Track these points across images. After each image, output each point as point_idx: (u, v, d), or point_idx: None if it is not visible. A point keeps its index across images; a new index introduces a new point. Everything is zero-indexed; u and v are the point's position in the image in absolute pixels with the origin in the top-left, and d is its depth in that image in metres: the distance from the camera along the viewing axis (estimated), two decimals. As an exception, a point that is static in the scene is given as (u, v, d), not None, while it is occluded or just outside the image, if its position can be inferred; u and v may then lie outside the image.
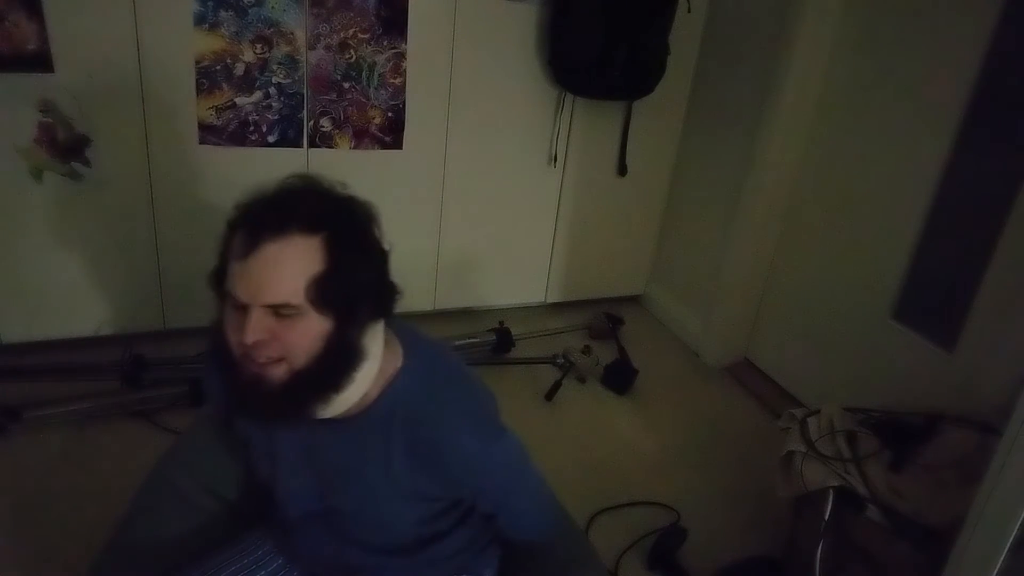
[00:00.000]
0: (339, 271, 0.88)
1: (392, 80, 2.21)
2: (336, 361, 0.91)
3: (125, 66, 1.92)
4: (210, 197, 2.14)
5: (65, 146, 1.94)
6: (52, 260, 2.04)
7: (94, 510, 1.58)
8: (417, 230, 2.46)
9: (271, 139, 2.13)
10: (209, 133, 2.06)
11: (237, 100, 2.06)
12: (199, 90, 2.01)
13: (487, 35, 2.28)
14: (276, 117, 2.11)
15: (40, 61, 1.82)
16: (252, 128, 2.10)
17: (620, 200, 2.75)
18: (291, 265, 0.86)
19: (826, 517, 1.50)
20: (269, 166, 2.17)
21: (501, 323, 2.49)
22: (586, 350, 2.44)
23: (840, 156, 2.20)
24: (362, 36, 2.12)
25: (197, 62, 1.98)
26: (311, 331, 0.88)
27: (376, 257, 0.96)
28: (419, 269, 2.50)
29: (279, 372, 0.89)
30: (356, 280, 0.91)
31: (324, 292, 0.87)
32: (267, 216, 0.88)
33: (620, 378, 2.39)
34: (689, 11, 2.43)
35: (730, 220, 2.49)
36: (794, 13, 2.17)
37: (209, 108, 2.04)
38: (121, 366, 2.04)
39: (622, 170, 2.67)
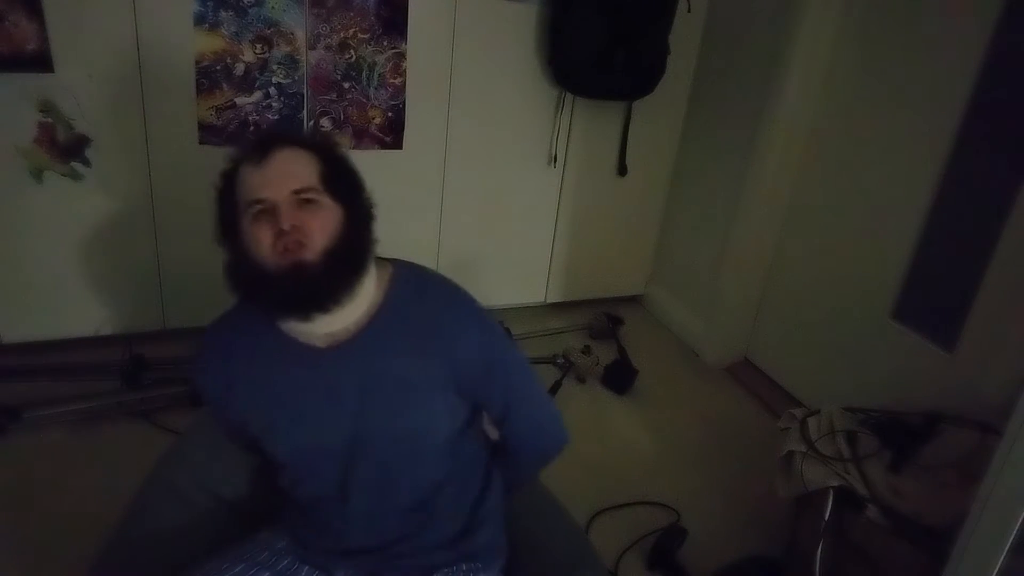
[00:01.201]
0: (339, 170, 1.07)
1: (392, 80, 2.21)
2: (356, 242, 1.05)
3: (125, 66, 1.92)
4: (210, 197, 2.14)
5: (65, 146, 1.94)
6: (52, 260, 2.04)
7: (94, 510, 1.58)
8: (417, 230, 2.46)
9: (271, 139, 2.13)
10: (209, 133, 2.06)
11: (237, 100, 2.06)
12: (199, 90, 2.01)
13: (487, 35, 2.28)
14: (276, 117, 2.11)
15: (40, 61, 1.82)
16: (252, 128, 2.10)
17: (620, 200, 2.75)
18: (303, 161, 1.03)
19: (826, 517, 1.50)
20: (269, 166, 2.16)
21: (501, 323, 2.49)
22: (586, 350, 2.44)
23: (840, 156, 2.20)
24: (362, 36, 2.12)
25: (197, 62, 1.98)
26: (331, 216, 1.03)
27: (359, 175, 1.13)
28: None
29: (311, 256, 0.99)
30: (352, 180, 1.10)
31: (333, 181, 1.04)
32: (271, 136, 1.07)
33: (620, 378, 2.40)
34: (689, 11, 2.44)
35: (730, 220, 2.49)
36: (794, 13, 2.17)
37: (209, 108, 2.04)
38: (121, 366, 2.05)
39: (622, 170, 2.67)
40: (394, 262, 1.16)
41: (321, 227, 1.01)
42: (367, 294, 1.08)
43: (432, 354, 1.08)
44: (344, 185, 1.07)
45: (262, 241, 1.00)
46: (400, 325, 1.09)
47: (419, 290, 1.13)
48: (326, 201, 1.03)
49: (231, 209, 1.04)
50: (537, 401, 1.25)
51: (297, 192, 1.00)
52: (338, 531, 1.14)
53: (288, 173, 1.01)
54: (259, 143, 1.04)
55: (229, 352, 1.13)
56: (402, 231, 2.43)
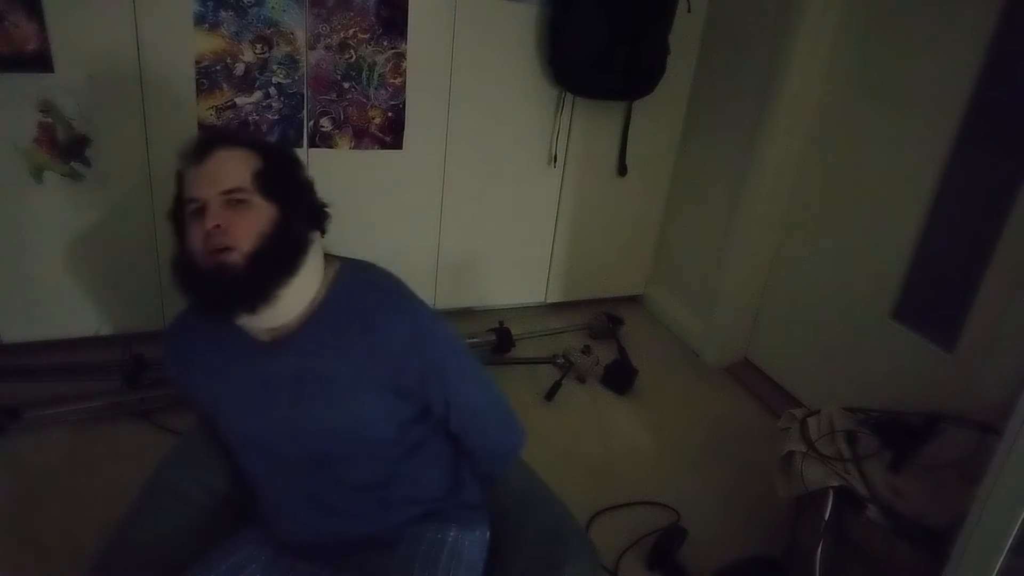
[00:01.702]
0: (276, 169, 1.09)
1: (392, 80, 2.21)
2: (284, 243, 1.06)
3: (125, 66, 1.92)
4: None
5: (65, 146, 1.94)
6: (52, 260, 2.04)
7: (94, 510, 1.58)
8: (417, 230, 2.46)
9: (271, 139, 2.13)
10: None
11: (237, 100, 2.06)
12: (199, 90, 2.01)
13: (487, 35, 2.28)
14: (276, 117, 2.11)
15: (40, 61, 1.82)
16: (252, 128, 2.10)
17: (620, 200, 2.75)
18: (238, 161, 1.07)
19: (826, 517, 1.50)
20: (269, 166, 2.17)
21: (501, 323, 2.49)
22: (586, 350, 2.44)
23: (840, 156, 2.20)
24: (362, 36, 2.12)
25: (197, 62, 1.98)
26: (260, 216, 1.05)
27: (304, 174, 1.15)
28: (419, 269, 2.50)
29: (236, 257, 1.02)
30: (291, 177, 1.12)
31: (266, 181, 1.06)
32: (215, 135, 1.13)
33: (620, 378, 2.39)
34: (689, 11, 2.44)
35: (730, 220, 2.49)
36: (794, 13, 2.17)
37: (209, 108, 2.04)
38: (121, 366, 2.04)
39: (622, 170, 2.67)
40: (342, 260, 1.18)
41: (247, 228, 1.03)
42: (307, 291, 1.10)
43: (365, 353, 1.10)
44: (280, 185, 1.08)
45: (195, 240, 1.04)
46: (336, 323, 1.10)
47: (359, 289, 1.15)
48: (257, 201, 1.05)
49: (179, 206, 1.09)
50: (482, 405, 1.23)
51: (226, 192, 1.03)
52: (290, 515, 1.16)
53: (220, 173, 1.05)
54: (199, 142, 1.08)
55: (189, 337, 1.19)
56: (402, 231, 2.43)
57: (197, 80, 2.00)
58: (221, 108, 2.05)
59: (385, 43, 2.16)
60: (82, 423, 1.91)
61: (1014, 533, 1.08)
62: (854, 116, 2.14)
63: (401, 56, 2.19)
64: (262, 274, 1.03)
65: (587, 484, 1.94)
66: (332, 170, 2.24)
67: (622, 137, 2.62)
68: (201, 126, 2.04)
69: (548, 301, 2.84)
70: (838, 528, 1.50)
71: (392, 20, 2.14)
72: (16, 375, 2.02)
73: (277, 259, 1.05)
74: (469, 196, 2.48)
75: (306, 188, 1.14)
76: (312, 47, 2.08)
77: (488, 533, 1.25)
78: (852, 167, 2.16)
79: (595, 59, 2.30)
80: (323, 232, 1.17)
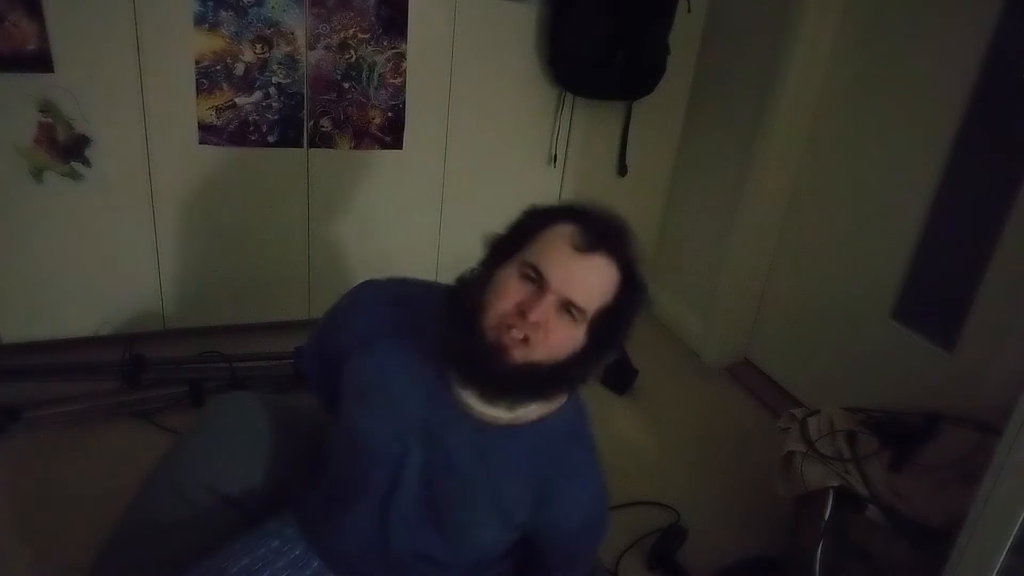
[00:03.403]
0: (620, 311, 0.98)
1: (392, 80, 2.21)
2: (564, 375, 0.98)
3: (125, 66, 1.92)
4: (210, 197, 2.14)
5: (65, 146, 1.94)
6: (52, 260, 2.04)
7: (94, 510, 1.58)
8: (417, 230, 2.46)
9: (271, 139, 2.13)
10: (209, 133, 2.06)
11: (237, 100, 2.06)
12: (199, 90, 2.01)
13: (487, 35, 2.28)
14: (276, 117, 2.11)
15: (40, 61, 1.82)
16: (252, 128, 2.10)
17: (620, 200, 2.73)
18: (604, 284, 0.96)
19: (826, 517, 1.50)
20: (269, 166, 2.17)
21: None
22: (586, 350, 2.44)
23: (840, 156, 2.20)
24: (362, 36, 2.12)
25: (197, 62, 1.98)
26: (572, 340, 0.96)
27: (631, 328, 1.04)
28: (419, 269, 2.49)
29: (520, 354, 0.93)
30: (620, 327, 1.01)
31: (602, 319, 0.97)
32: (608, 232, 0.98)
33: (620, 378, 2.39)
34: (689, 11, 2.43)
35: (730, 220, 2.49)
36: (794, 13, 2.17)
37: (209, 108, 2.04)
38: (121, 366, 2.04)
39: (622, 170, 2.67)
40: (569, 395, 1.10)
41: (553, 344, 0.94)
42: (529, 415, 1.03)
43: (527, 501, 1.04)
44: (609, 332, 0.99)
45: (501, 299, 0.94)
46: (524, 458, 1.04)
47: (565, 435, 1.08)
48: (580, 328, 0.96)
49: (514, 243, 0.98)
50: (577, 569, 1.22)
51: (572, 303, 0.94)
52: (344, 536, 1.12)
53: (584, 284, 0.94)
54: (594, 230, 0.96)
55: (383, 316, 1.09)
56: (402, 231, 2.43)
57: (197, 80, 2.00)
58: (221, 108, 2.05)
59: (385, 43, 2.16)
60: (82, 423, 1.91)
61: (1014, 533, 1.08)
62: (854, 116, 2.14)
63: (401, 56, 2.19)
64: (525, 386, 0.96)
65: (587, 484, 1.93)
66: (332, 170, 2.24)
67: (622, 137, 2.62)
68: (201, 126, 2.03)
69: (548, 301, 2.84)
70: (838, 528, 1.50)
71: (392, 20, 2.14)
72: (16, 375, 2.02)
73: (546, 385, 0.98)
74: (469, 196, 2.48)
75: (622, 342, 1.04)
76: (312, 47, 2.08)
77: None
78: (852, 167, 2.16)
79: (595, 59, 2.30)
80: (590, 376, 1.07)
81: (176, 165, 2.07)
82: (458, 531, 1.07)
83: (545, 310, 0.92)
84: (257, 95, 2.07)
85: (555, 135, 2.51)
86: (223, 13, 1.95)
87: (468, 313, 0.96)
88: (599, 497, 1.13)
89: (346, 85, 2.16)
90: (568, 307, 0.94)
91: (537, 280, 0.93)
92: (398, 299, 1.12)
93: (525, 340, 0.93)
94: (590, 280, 0.95)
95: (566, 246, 0.94)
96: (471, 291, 0.98)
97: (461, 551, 1.10)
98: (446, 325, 0.99)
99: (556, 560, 1.15)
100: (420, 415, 1.04)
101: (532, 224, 0.99)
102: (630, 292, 0.99)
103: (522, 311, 0.92)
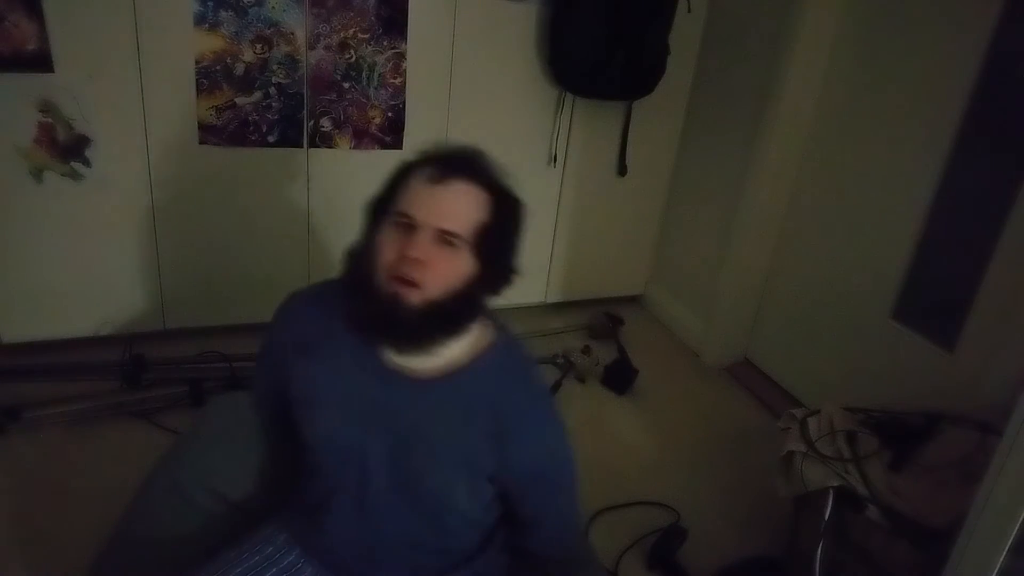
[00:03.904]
0: (499, 229, 1.01)
1: (392, 80, 2.21)
2: (464, 305, 1.01)
3: (125, 66, 1.92)
4: (210, 197, 2.14)
5: (65, 146, 1.94)
6: (52, 260, 2.04)
7: (94, 510, 1.58)
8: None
9: (271, 139, 2.13)
10: (209, 133, 2.06)
11: (237, 100, 2.06)
12: (199, 90, 2.01)
13: (487, 35, 2.28)
14: (276, 117, 2.11)
15: (40, 61, 1.82)
16: (252, 128, 2.10)
17: (620, 200, 2.75)
18: (471, 204, 1.00)
19: (826, 517, 1.50)
20: (269, 166, 2.17)
21: (508, 328, 2.48)
22: (586, 350, 2.44)
23: (840, 156, 2.20)
24: (362, 36, 2.12)
25: (197, 62, 1.98)
26: (460, 268, 0.99)
27: (520, 233, 1.07)
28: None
29: (415, 297, 0.96)
30: (505, 243, 1.04)
31: (483, 238, 0.99)
32: (460, 160, 1.03)
33: (620, 378, 2.39)
34: (689, 11, 2.44)
35: (730, 220, 2.49)
36: (794, 13, 2.17)
37: (209, 108, 2.04)
38: (121, 366, 2.05)
39: (622, 170, 2.67)
40: (498, 328, 1.12)
41: (442, 275, 0.97)
42: (456, 352, 1.05)
43: (486, 448, 1.05)
44: (495, 247, 1.01)
45: (384, 252, 0.98)
46: (469, 403, 1.05)
47: (506, 381, 1.08)
48: (464, 253, 0.99)
49: (384, 200, 1.03)
50: (565, 519, 1.22)
51: (444, 231, 0.97)
52: (329, 531, 1.13)
53: (449, 209, 0.98)
54: (443, 162, 1.01)
55: (310, 317, 1.12)
56: (402, 231, 2.43)
57: (197, 80, 2.00)
58: (221, 108, 2.05)
59: (385, 43, 2.16)
60: (82, 423, 1.91)
61: (1014, 533, 1.08)
62: (854, 116, 2.14)
63: (401, 56, 2.19)
64: (431, 325, 0.98)
65: (587, 484, 1.91)
66: (332, 170, 2.24)
67: (622, 137, 2.62)
68: (201, 126, 2.04)
69: (548, 301, 2.84)
70: (838, 528, 1.50)
71: (392, 20, 2.14)
72: (16, 375, 2.02)
73: (451, 318, 0.99)
74: (469, 196, 2.48)
75: (514, 251, 1.06)
76: (312, 47, 2.08)
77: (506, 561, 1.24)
78: (852, 167, 2.16)
79: (595, 59, 2.30)
80: (500, 292, 1.08)
81: (176, 165, 2.07)
82: (432, 499, 1.08)
83: (422, 246, 0.96)
84: (257, 95, 2.07)
85: (555, 135, 2.51)
86: (223, 13, 1.95)
87: (363, 278, 1.00)
88: (554, 425, 1.12)
89: (346, 85, 2.16)
90: (443, 237, 0.97)
91: (409, 223, 0.98)
92: (320, 297, 1.14)
93: (415, 283, 0.96)
94: (453, 206, 0.98)
95: (424, 184, 0.99)
96: (361, 258, 1.02)
97: (441, 524, 1.10)
98: (348, 297, 1.03)
99: (538, 503, 1.14)
100: (369, 397, 1.06)
101: (396, 179, 1.04)
102: (503, 206, 1.03)
103: (404, 255, 0.96)
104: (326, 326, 1.09)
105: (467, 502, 1.09)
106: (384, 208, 1.02)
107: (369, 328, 1.02)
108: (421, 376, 1.05)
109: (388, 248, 0.98)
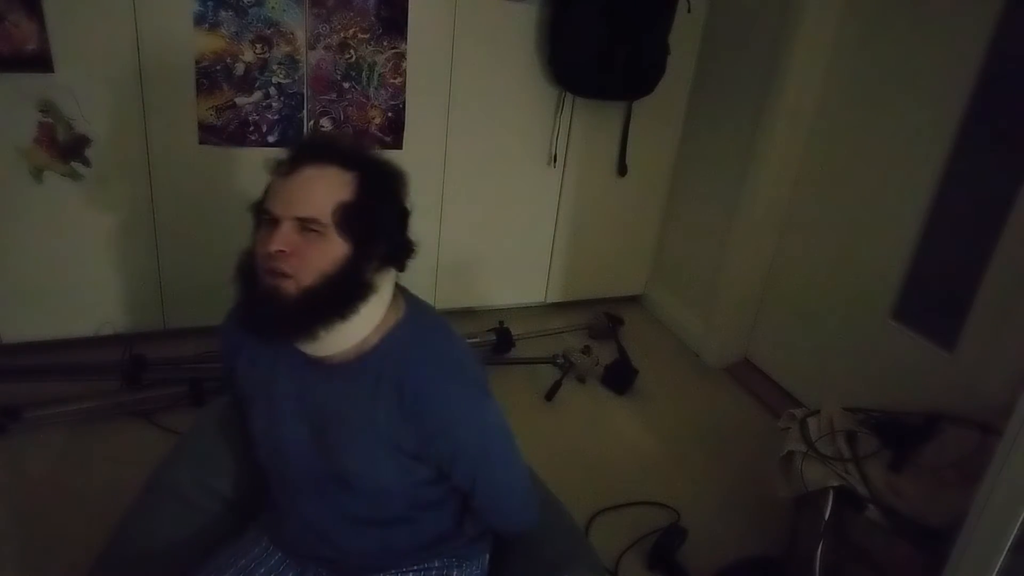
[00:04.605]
0: (365, 204, 1.00)
1: (392, 80, 2.21)
2: (344, 287, 0.99)
3: (125, 67, 1.92)
4: (210, 197, 2.14)
5: (65, 146, 1.94)
6: (52, 260, 2.04)
7: (94, 510, 1.58)
8: (417, 230, 2.44)
9: (271, 139, 2.13)
10: (209, 133, 2.06)
11: (237, 100, 2.06)
12: (199, 90, 2.01)
13: (487, 35, 2.28)
14: (276, 117, 2.11)
15: (40, 61, 1.82)
16: (252, 128, 2.10)
17: (620, 200, 2.75)
18: (325, 187, 0.99)
19: (826, 517, 1.50)
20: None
21: (501, 323, 2.49)
22: (586, 350, 2.44)
23: (840, 156, 2.20)
24: (362, 36, 2.12)
25: (197, 62, 1.98)
26: (329, 252, 0.98)
27: (398, 208, 1.06)
28: (419, 268, 2.46)
29: (291, 287, 0.97)
30: (378, 218, 1.01)
31: (348, 218, 0.98)
32: (311, 146, 1.04)
33: (620, 378, 2.39)
34: (689, 11, 2.44)
35: (730, 220, 2.49)
36: (794, 13, 2.17)
37: (209, 108, 2.04)
38: (121, 366, 2.04)
39: (622, 170, 2.67)
40: (411, 305, 1.11)
41: (311, 263, 0.97)
42: (357, 334, 1.04)
43: (398, 420, 1.03)
44: (362, 223, 0.99)
45: (258, 249, 1.00)
46: (378, 379, 1.04)
47: (413, 355, 1.05)
48: (331, 236, 0.97)
49: (260, 203, 1.03)
50: (505, 488, 1.17)
51: (301, 219, 0.97)
52: (293, 529, 1.15)
53: (301, 196, 0.98)
54: (292, 153, 1.02)
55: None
56: (402, 231, 2.43)
57: (197, 80, 2.00)
58: (221, 108, 2.05)
59: (385, 43, 2.16)
60: (82, 423, 1.91)
61: (1014, 533, 1.08)
62: (854, 116, 2.14)
63: (401, 56, 2.19)
64: (311, 312, 0.98)
65: (587, 484, 1.94)
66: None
67: (622, 137, 2.62)
68: (201, 126, 2.04)
69: (548, 301, 2.84)
70: (838, 528, 1.50)
71: (392, 20, 2.14)
72: (16, 375, 2.02)
73: (331, 302, 0.98)
74: (469, 196, 2.48)
75: (392, 225, 1.05)
76: (312, 47, 2.08)
77: (487, 555, 1.24)
78: (851, 167, 2.16)
79: (595, 59, 2.30)
80: (401, 269, 1.09)
81: (176, 165, 2.07)
82: (364, 481, 1.08)
83: (284, 237, 0.96)
84: (257, 95, 2.07)
85: (555, 135, 2.51)
86: (223, 13, 1.95)
87: (248, 278, 1.03)
88: (470, 399, 1.08)
89: (346, 85, 2.16)
90: (303, 225, 0.97)
91: (272, 218, 0.99)
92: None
93: (286, 273, 0.97)
94: (304, 192, 0.98)
95: (278, 178, 1.01)
96: (245, 260, 1.04)
97: (383, 504, 1.11)
98: (239, 288, 1.05)
99: (470, 479, 1.10)
100: (292, 389, 1.09)
101: (270, 181, 1.04)
102: (370, 181, 1.02)
103: (269, 250, 0.97)
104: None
105: (399, 483, 1.09)
106: (258, 212, 1.04)
107: (254, 323, 1.03)
108: (333, 361, 1.06)
109: (259, 245, 1.00)
